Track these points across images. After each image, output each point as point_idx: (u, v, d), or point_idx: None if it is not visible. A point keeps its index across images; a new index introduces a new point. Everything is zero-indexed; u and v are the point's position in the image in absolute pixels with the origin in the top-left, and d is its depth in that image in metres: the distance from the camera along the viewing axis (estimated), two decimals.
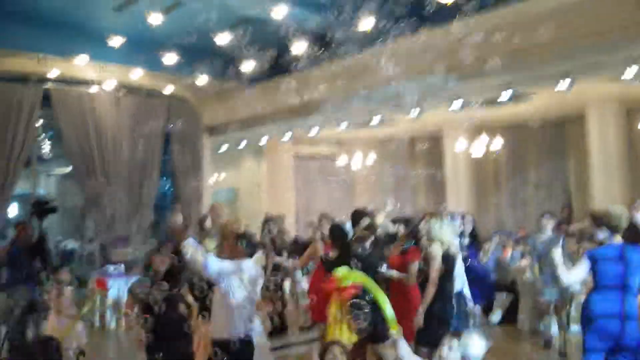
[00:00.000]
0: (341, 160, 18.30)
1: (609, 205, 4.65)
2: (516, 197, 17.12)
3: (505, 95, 10.39)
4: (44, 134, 12.96)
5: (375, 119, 13.56)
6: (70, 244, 14.40)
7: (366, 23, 7.41)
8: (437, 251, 5.18)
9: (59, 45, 10.04)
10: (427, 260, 5.26)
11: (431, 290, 5.15)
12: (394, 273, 5.80)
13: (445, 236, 5.28)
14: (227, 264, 4.54)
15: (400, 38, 7.89)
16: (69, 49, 10.24)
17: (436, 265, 5.17)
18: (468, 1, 6.55)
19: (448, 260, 5.26)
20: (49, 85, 10.92)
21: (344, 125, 13.85)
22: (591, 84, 11.52)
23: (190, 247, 4.34)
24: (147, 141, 11.77)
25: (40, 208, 8.69)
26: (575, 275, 4.60)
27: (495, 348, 7.61)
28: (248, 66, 9.90)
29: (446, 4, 6.69)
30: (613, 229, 4.55)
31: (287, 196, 17.80)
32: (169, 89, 12.19)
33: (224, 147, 16.93)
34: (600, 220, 4.75)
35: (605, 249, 4.63)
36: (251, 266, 4.69)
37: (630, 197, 13.35)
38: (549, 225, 7.49)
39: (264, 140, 16.40)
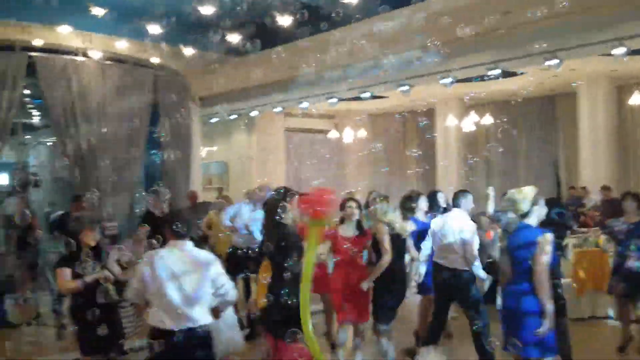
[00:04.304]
0: (333, 134, 18.26)
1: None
2: (506, 173, 17.19)
3: (494, 72, 10.32)
4: (32, 104, 12.82)
5: (366, 94, 13.47)
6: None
7: None
8: (384, 230, 5.48)
9: (43, 13, 9.89)
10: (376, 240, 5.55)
11: (386, 260, 5.41)
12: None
13: (390, 217, 5.56)
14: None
15: (387, 13, 7.81)
16: (53, 17, 10.09)
17: (386, 241, 5.45)
18: None
19: (395, 239, 5.55)
20: (33, 53, 10.76)
21: (334, 100, 13.74)
22: (582, 61, 11.47)
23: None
24: (134, 112, 11.63)
25: (22, 180, 8.66)
26: None
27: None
28: (235, 37, 9.78)
29: None
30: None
31: (277, 169, 17.80)
32: (156, 59, 12.05)
33: (214, 120, 16.86)
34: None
35: None
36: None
37: (617, 171, 13.47)
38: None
39: (255, 113, 16.33)
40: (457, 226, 5.89)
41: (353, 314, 5.55)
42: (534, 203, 4.41)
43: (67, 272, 4.70)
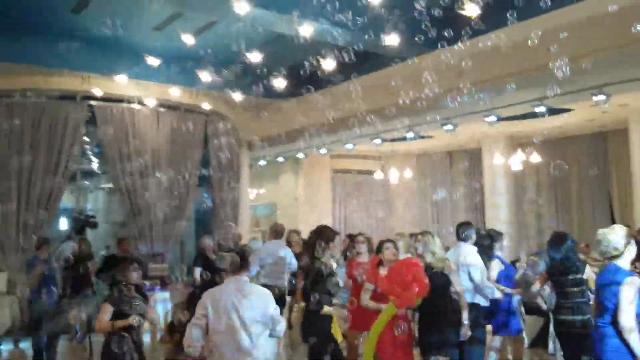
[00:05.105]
0: (379, 175, 18.32)
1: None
2: (557, 212, 16.79)
3: (540, 109, 10.24)
4: (91, 150, 13.46)
5: (411, 134, 13.53)
6: None
7: (392, 39, 7.50)
8: (453, 267, 5.48)
9: (102, 64, 10.50)
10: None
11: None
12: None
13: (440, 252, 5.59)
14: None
15: (428, 53, 7.95)
16: (111, 67, 10.69)
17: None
18: (493, 15, 6.56)
19: (440, 276, 5.48)
20: (93, 102, 11.39)
21: (378, 140, 13.86)
22: (633, 96, 11.26)
23: None
24: (186, 156, 12.09)
25: (79, 223, 9.09)
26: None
27: None
28: (281, 82, 10.12)
29: (471, 18, 6.71)
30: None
31: (324, 210, 17.92)
32: (207, 106, 12.55)
33: (262, 162, 17.20)
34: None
35: None
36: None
37: None
38: None
39: (301, 155, 16.59)
40: (461, 259, 5.91)
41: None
42: (627, 242, 4.07)
43: (109, 309, 4.79)
